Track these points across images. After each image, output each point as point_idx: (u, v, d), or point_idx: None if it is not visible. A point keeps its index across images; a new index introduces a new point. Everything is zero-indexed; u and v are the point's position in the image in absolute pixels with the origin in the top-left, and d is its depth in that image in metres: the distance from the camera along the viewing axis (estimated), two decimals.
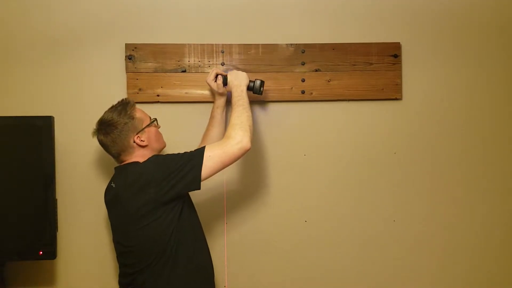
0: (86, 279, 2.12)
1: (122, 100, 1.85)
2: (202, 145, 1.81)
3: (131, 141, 1.78)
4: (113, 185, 1.79)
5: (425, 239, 2.22)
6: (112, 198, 1.80)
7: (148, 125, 1.82)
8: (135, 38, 2.12)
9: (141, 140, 1.79)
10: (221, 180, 2.14)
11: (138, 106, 1.85)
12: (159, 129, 1.90)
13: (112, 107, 1.83)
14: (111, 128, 1.77)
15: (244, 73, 1.97)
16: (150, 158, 1.75)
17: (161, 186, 1.68)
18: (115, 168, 1.84)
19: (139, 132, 1.80)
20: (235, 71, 2.00)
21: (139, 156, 1.79)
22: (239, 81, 1.94)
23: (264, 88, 2.04)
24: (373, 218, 2.21)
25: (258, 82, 2.00)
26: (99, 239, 2.12)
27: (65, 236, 2.09)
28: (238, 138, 1.71)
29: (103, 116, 1.81)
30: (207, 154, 1.70)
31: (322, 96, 2.18)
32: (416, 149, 2.22)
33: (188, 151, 1.75)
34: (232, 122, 1.78)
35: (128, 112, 1.79)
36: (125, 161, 1.80)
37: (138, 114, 1.82)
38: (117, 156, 1.81)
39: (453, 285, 2.24)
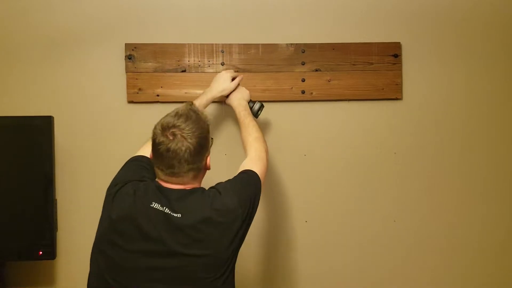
0: (86, 279, 2.11)
1: (191, 105, 1.50)
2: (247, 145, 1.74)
3: (204, 163, 1.46)
4: (178, 215, 1.38)
5: (425, 239, 2.22)
6: (181, 234, 1.38)
7: (211, 145, 1.52)
8: (135, 38, 2.12)
9: (208, 162, 1.48)
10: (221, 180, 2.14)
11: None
12: None
13: (177, 113, 1.45)
14: (203, 133, 1.43)
15: (247, 91, 1.98)
16: (224, 186, 1.48)
17: (247, 224, 1.47)
18: (167, 189, 1.43)
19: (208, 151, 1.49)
20: (239, 86, 1.99)
21: (197, 183, 1.48)
22: (241, 94, 1.95)
23: (264, 87, 2.03)
24: (373, 218, 2.21)
25: (257, 105, 1.98)
26: None
27: (65, 236, 2.09)
28: (265, 150, 1.76)
29: (176, 121, 1.41)
30: (260, 173, 1.59)
31: (322, 96, 2.18)
32: (416, 149, 2.21)
33: (243, 171, 1.58)
34: (255, 135, 1.78)
35: (207, 122, 1.48)
36: (181, 184, 1.44)
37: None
38: (181, 175, 1.42)
39: (453, 285, 2.24)
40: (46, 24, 2.09)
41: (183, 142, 1.38)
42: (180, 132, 1.39)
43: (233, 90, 1.96)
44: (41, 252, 1.93)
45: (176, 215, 1.38)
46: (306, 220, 2.20)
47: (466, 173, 2.23)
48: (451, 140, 2.22)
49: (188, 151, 1.39)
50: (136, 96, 2.11)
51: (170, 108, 2.09)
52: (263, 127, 2.16)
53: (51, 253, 1.95)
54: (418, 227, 2.22)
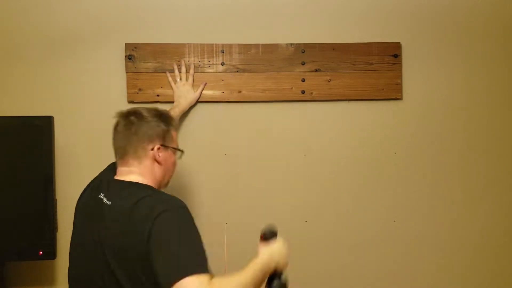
0: None
1: (166, 111, 1.63)
2: None
3: (150, 147, 1.50)
4: (108, 202, 1.44)
5: (425, 239, 2.22)
6: (105, 218, 1.42)
7: (175, 149, 1.59)
8: (135, 38, 2.12)
9: (159, 155, 1.51)
10: (221, 181, 2.14)
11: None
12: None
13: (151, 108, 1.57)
14: (143, 118, 1.50)
15: (286, 253, 1.64)
16: (170, 203, 1.39)
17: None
18: (112, 179, 1.51)
19: (164, 146, 1.53)
20: (284, 246, 1.64)
21: (146, 172, 1.50)
22: (272, 255, 1.60)
23: (264, 87, 2.03)
24: (373, 218, 2.21)
25: (283, 279, 1.60)
26: None
27: (65, 236, 2.08)
28: None
29: (138, 108, 1.55)
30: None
31: (322, 96, 2.18)
32: (416, 149, 2.21)
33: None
34: (241, 280, 1.46)
35: (168, 121, 1.57)
36: (127, 165, 1.50)
37: (174, 132, 1.59)
38: (122, 155, 1.51)
39: (453, 285, 2.24)
40: (46, 24, 2.09)
41: (129, 118, 1.49)
42: (134, 116, 1.50)
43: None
44: (41, 252, 1.93)
45: (108, 202, 1.44)
46: (306, 220, 2.20)
47: (466, 173, 2.23)
48: (451, 140, 2.22)
49: (128, 126, 1.49)
50: (136, 96, 2.11)
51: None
52: (263, 127, 2.17)
53: (51, 253, 1.95)
54: (418, 227, 2.22)
